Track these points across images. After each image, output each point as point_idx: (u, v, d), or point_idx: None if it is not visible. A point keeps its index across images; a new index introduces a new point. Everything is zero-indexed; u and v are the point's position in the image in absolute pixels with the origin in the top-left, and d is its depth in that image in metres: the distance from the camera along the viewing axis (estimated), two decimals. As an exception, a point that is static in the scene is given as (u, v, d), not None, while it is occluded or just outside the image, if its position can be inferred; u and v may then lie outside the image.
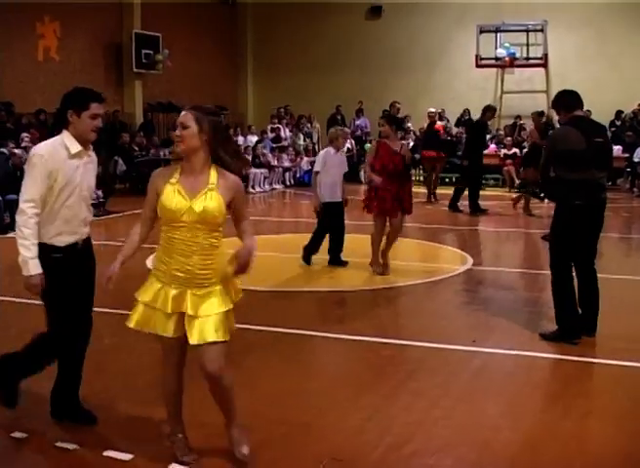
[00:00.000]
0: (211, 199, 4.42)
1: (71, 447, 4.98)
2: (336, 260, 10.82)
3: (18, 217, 4.97)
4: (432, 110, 20.28)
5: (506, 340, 7.27)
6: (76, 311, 5.17)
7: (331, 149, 10.77)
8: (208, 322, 4.48)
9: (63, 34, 21.25)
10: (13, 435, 5.17)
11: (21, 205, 4.93)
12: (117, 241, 11.83)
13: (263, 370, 6.50)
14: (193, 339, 4.46)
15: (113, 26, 23.09)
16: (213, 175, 4.48)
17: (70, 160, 5.01)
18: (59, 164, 4.94)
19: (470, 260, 11.21)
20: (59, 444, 5.03)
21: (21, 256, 4.96)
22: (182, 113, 4.50)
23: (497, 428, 5.34)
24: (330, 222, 10.73)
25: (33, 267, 4.95)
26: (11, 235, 13.79)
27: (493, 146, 22.94)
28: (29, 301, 8.67)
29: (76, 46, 21.76)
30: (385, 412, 5.59)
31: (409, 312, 8.76)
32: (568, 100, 7.23)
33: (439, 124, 20.36)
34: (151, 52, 23.43)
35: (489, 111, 17.55)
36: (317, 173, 10.73)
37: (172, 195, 4.42)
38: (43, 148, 4.98)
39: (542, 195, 14.83)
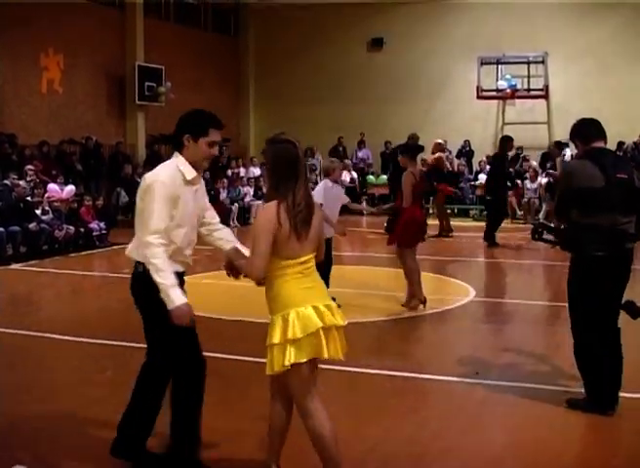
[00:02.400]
0: None
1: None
2: None
3: (146, 251, 4.60)
4: (440, 141, 20.04)
5: (509, 372, 7.24)
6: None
7: (328, 182, 10.18)
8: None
9: (67, 66, 21.39)
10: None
11: (147, 237, 4.60)
12: (120, 273, 11.85)
13: (263, 403, 6.46)
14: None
15: (116, 59, 23.24)
16: None
17: (186, 186, 4.78)
18: (179, 190, 4.70)
19: (473, 292, 11.18)
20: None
21: (162, 289, 4.55)
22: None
23: (500, 460, 5.31)
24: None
25: (176, 297, 4.56)
26: (13, 267, 13.85)
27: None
28: (30, 333, 8.69)
29: (79, 78, 21.90)
30: (388, 444, 5.55)
31: (412, 344, 8.73)
32: (585, 130, 6.27)
33: (439, 155, 20.18)
34: (154, 84, 23.55)
35: (506, 142, 17.43)
36: (321, 204, 10.39)
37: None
38: (162, 174, 4.70)
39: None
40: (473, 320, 9.81)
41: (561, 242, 6.17)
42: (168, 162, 4.83)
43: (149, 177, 4.71)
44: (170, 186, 4.63)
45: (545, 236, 6.42)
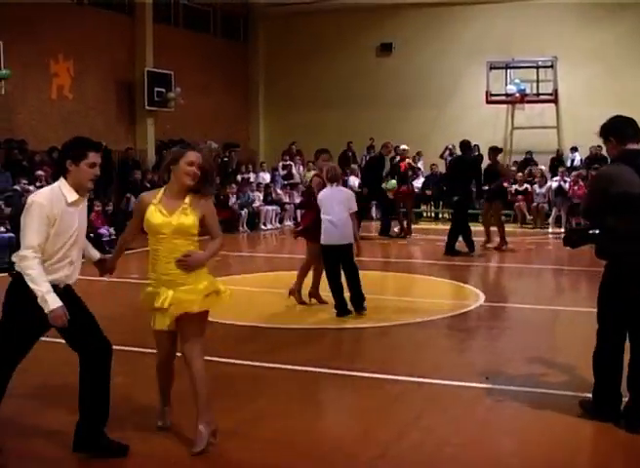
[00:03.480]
0: (185, 215, 5.37)
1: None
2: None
3: (21, 264, 5.10)
4: (405, 147, 20.14)
5: (519, 377, 7.22)
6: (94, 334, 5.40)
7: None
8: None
9: (77, 73, 21.47)
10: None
11: (23, 251, 5.10)
12: (129, 277, 11.89)
13: (272, 408, 6.47)
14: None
15: (126, 64, 23.32)
16: (188, 198, 5.43)
17: (68, 207, 5.21)
18: (57, 211, 5.14)
19: (482, 297, 11.17)
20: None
21: (38, 295, 5.02)
22: (197, 154, 5.53)
23: (509, 466, 5.30)
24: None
25: (52, 301, 5.03)
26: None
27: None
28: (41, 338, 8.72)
29: (89, 84, 21.97)
30: (397, 449, 5.55)
31: (420, 349, 8.71)
32: (622, 129, 5.93)
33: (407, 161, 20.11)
34: (163, 89, 23.61)
35: (494, 152, 17.40)
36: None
37: (155, 213, 5.41)
38: (42, 196, 5.16)
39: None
40: (482, 325, 9.80)
41: (596, 248, 5.98)
42: (54, 185, 5.28)
43: (31, 198, 5.23)
44: (47, 207, 5.11)
45: (577, 239, 6.23)
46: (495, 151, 17.41)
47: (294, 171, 24.98)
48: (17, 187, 16.33)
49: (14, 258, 5.19)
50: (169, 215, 5.37)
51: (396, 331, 9.42)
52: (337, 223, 9.86)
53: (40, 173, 17.63)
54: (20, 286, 5.15)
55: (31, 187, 16.00)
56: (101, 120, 22.14)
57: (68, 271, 5.31)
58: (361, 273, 10.20)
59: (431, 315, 10.01)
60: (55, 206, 5.12)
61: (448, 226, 19.40)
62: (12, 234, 14.20)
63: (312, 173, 23.55)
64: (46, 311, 5.02)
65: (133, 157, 22.40)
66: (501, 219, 17.30)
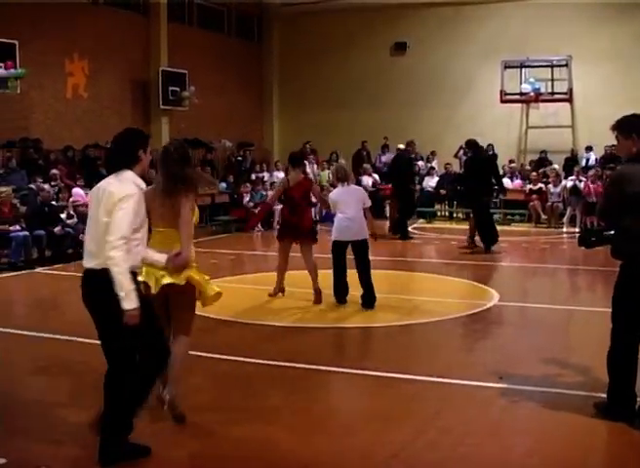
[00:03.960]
0: None
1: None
2: None
3: (113, 253, 5.00)
4: (401, 146, 20.22)
5: (533, 377, 7.20)
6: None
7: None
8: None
9: (92, 72, 21.53)
10: None
11: (116, 241, 5.01)
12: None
13: (287, 407, 6.49)
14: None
15: (140, 64, 23.37)
16: None
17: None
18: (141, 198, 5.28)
19: (497, 296, 11.14)
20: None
21: (125, 290, 5.00)
22: None
23: (523, 466, 5.29)
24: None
25: (135, 299, 5.05)
26: (38, 270, 13.95)
27: (518, 182, 22.90)
28: (55, 336, 8.75)
29: (104, 83, 22.04)
30: (412, 449, 5.55)
31: (435, 348, 8.71)
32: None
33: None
34: (178, 88, 23.65)
35: (477, 146, 17.31)
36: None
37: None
38: (129, 187, 5.19)
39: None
40: (497, 324, 9.78)
41: (611, 248, 5.95)
42: (125, 175, 5.28)
43: (121, 190, 5.14)
44: (137, 197, 5.22)
45: (593, 240, 6.19)
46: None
47: (308, 170, 24.96)
48: (32, 186, 16.40)
49: (109, 253, 5.02)
50: None
51: (411, 331, 9.43)
52: (353, 220, 10.28)
53: (55, 171, 17.73)
54: (102, 281, 5.10)
55: (46, 186, 16.07)
56: (116, 119, 22.17)
57: (139, 257, 5.36)
58: (376, 272, 10.24)
59: (446, 314, 10.00)
60: (140, 194, 5.27)
61: (462, 226, 19.48)
62: (27, 233, 14.25)
63: (327, 172, 23.81)
64: (128, 308, 4.99)
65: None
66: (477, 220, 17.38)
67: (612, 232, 5.94)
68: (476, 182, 16.51)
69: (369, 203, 10.61)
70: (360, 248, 10.42)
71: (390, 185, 20.01)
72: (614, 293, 6.02)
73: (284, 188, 10.83)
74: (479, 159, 16.94)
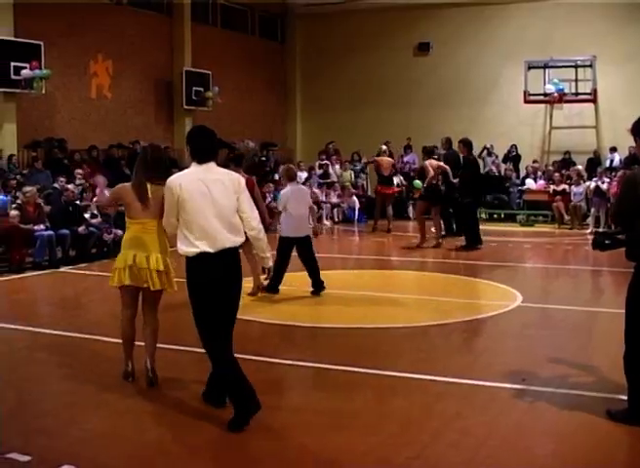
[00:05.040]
0: None
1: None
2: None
3: (258, 225, 6.15)
4: (383, 147, 20.87)
5: (556, 379, 7.17)
6: None
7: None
8: None
9: (116, 72, 21.65)
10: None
11: (256, 215, 6.16)
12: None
13: (308, 406, 6.49)
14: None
15: (164, 64, 23.48)
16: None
17: None
18: None
19: (520, 297, 11.10)
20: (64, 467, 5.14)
21: (269, 251, 6.33)
22: None
23: (546, 468, 5.28)
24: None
25: None
26: (62, 270, 14.03)
27: (542, 182, 22.80)
28: (79, 335, 8.80)
29: (128, 84, 22.15)
30: (433, 450, 5.54)
31: (457, 349, 8.69)
32: None
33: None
34: (201, 89, 23.75)
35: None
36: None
37: None
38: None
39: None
40: (520, 325, 9.74)
41: (625, 251, 5.92)
42: (214, 165, 6.14)
43: (239, 177, 6.20)
44: None
45: (607, 243, 6.15)
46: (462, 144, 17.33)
47: (330, 170, 25.00)
48: (56, 185, 16.50)
49: (258, 226, 6.13)
50: None
51: (433, 331, 9.41)
52: (302, 218, 11.35)
53: (79, 171, 17.81)
54: (238, 256, 6.07)
55: (70, 186, 16.16)
56: (140, 119, 22.31)
57: None
58: (398, 273, 10.24)
59: (469, 315, 9.99)
60: None
61: (484, 226, 19.42)
62: (51, 232, 14.34)
63: (349, 172, 23.86)
64: (270, 265, 6.48)
65: (171, 156, 22.52)
66: (432, 217, 17.81)
67: (625, 235, 5.90)
68: (460, 183, 16.74)
69: (311, 203, 11.71)
70: (306, 242, 11.26)
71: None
72: (627, 295, 6.02)
73: None
74: (465, 159, 17.06)
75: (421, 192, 17.65)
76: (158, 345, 7.04)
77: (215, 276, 5.83)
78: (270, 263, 6.42)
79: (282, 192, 11.60)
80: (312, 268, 11.30)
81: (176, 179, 6.00)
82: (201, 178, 5.94)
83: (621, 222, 6.04)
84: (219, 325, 5.90)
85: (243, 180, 6.15)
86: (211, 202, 5.88)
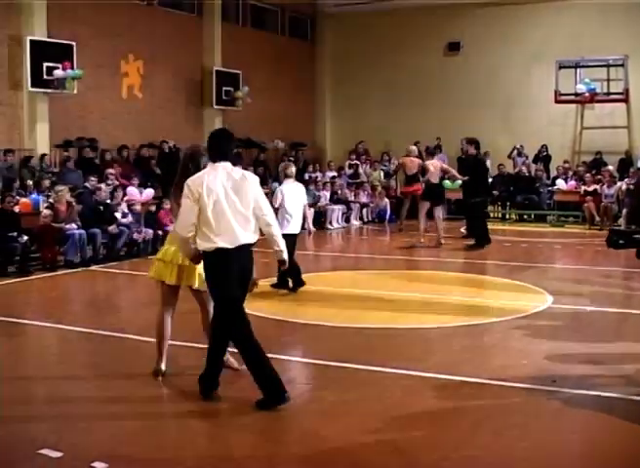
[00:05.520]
0: None
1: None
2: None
3: (274, 221, 6.57)
4: (412, 147, 20.61)
5: (587, 381, 7.13)
6: None
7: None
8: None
9: (147, 72, 21.75)
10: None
11: (272, 213, 6.58)
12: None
13: (340, 407, 6.50)
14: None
15: (194, 64, 23.56)
16: None
17: None
18: None
19: (550, 298, 11.04)
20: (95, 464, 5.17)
21: (284, 246, 6.59)
22: None
23: (578, 471, 5.25)
24: None
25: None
26: (93, 268, 14.13)
27: (572, 183, 22.64)
28: (109, 333, 8.87)
29: (158, 83, 22.24)
30: (464, 451, 5.52)
31: (488, 350, 8.65)
32: None
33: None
34: (231, 88, 23.82)
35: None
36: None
37: None
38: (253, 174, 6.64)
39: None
40: (550, 327, 9.68)
41: (637, 250, 5.91)
42: (235, 167, 6.51)
43: (252, 175, 6.61)
44: None
45: (621, 242, 6.15)
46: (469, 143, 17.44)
47: (360, 170, 24.97)
48: (87, 185, 16.61)
49: (273, 222, 6.54)
50: None
51: (463, 332, 9.37)
52: (299, 214, 11.58)
53: (110, 171, 17.92)
54: (251, 252, 6.53)
55: (102, 185, 16.26)
56: (170, 119, 22.39)
57: None
58: (425, 273, 10.21)
59: (499, 316, 9.94)
60: None
61: (515, 227, 19.34)
62: (82, 231, 14.44)
63: (378, 172, 23.88)
64: (286, 258, 6.63)
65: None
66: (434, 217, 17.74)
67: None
68: (469, 182, 16.78)
69: (306, 201, 11.98)
70: (294, 239, 11.32)
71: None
72: None
73: None
74: (471, 159, 17.07)
75: (423, 192, 17.73)
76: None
77: (232, 270, 6.34)
78: (285, 256, 6.60)
79: (277, 189, 11.92)
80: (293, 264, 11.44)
81: (197, 179, 6.34)
82: (220, 179, 6.31)
83: (635, 221, 6.03)
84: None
85: (256, 180, 6.49)
86: (229, 201, 6.28)
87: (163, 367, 7.14)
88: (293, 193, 11.56)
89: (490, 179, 20.16)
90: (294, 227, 11.48)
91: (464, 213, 18.40)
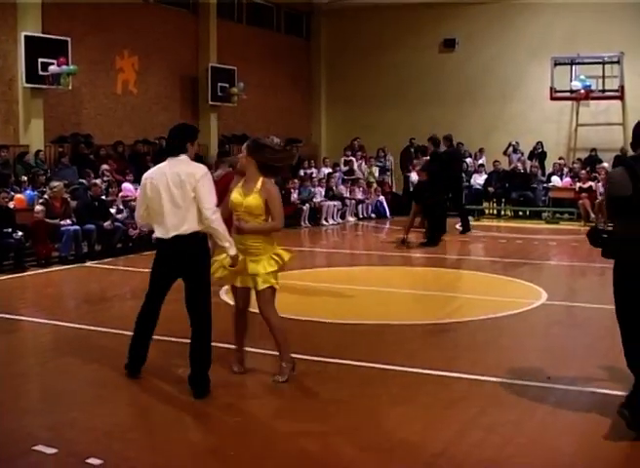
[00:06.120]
0: (254, 197, 6.71)
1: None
2: None
3: (215, 216, 6.47)
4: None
5: (582, 378, 7.14)
6: None
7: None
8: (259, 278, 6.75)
9: (142, 68, 21.71)
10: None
11: (213, 207, 6.50)
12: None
13: (333, 404, 6.50)
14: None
15: (190, 60, 23.52)
16: (259, 182, 6.75)
17: None
18: None
19: (545, 295, 11.06)
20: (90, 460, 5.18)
21: (229, 240, 6.55)
22: (244, 146, 6.99)
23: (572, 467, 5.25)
24: None
25: (235, 248, 6.63)
26: (88, 264, 14.12)
27: (567, 180, 22.66)
28: (104, 329, 8.88)
29: (153, 79, 22.21)
30: (458, 448, 5.53)
31: (482, 346, 8.67)
32: (636, 135, 5.92)
33: None
34: (227, 85, 23.77)
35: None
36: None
37: (236, 194, 6.81)
38: (202, 167, 6.71)
39: None
40: (545, 323, 9.70)
41: (602, 249, 5.95)
42: (183, 158, 6.70)
43: (199, 169, 6.65)
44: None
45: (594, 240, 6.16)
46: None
47: (355, 166, 24.96)
48: (82, 181, 16.59)
49: (211, 217, 6.44)
50: (244, 197, 6.73)
51: (458, 329, 9.39)
52: None
53: (105, 167, 17.91)
54: (201, 241, 6.64)
55: (97, 181, 16.24)
56: (165, 115, 22.35)
57: None
58: (422, 270, 10.21)
59: (494, 312, 9.96)
60: None
61: (510, 224, 19.38)
62: (77, 227, 14.43)
63: (374, 168, 23.79)
64: (233, 253, 6.56)
65: (196, 151, 22.56)
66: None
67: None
68: (433, 179, 16.88)
69: None
70: None
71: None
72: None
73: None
74: (434, 154, 17.15)
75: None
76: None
77: (163, 259, 6.74)
78: (233, 251, 6.56)
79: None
80: None
81: (148, 172, 6.87)
82: (165, 172, 6.63)
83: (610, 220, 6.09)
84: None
85: (200, 173, 6.55)
86: (169, 194, 6.54)
87: (236, 368, 7.19)
88: None
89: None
90: None
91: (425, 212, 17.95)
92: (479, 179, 23.95)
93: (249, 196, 6.73)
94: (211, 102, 23.55)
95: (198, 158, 22.29)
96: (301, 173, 23.43)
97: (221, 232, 6.49)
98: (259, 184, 6.73)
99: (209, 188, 6.52)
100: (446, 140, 17.79)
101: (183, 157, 6.67)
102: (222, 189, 10.75)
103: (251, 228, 6.75)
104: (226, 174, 11.56)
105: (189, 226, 6.51)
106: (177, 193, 6.50)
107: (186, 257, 6.60)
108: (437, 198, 16.77)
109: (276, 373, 6.90)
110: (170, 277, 6.78)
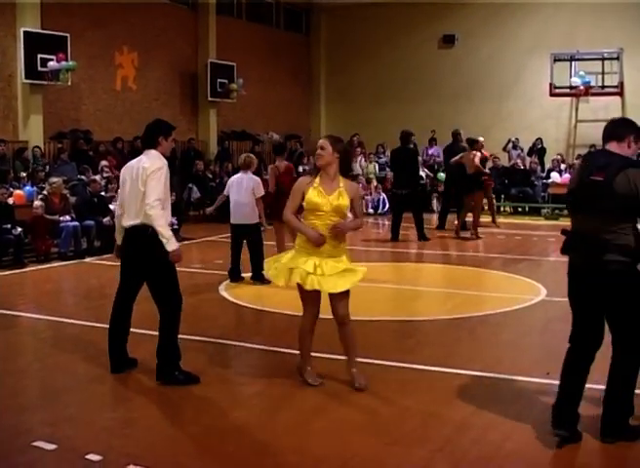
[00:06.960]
0: (341, 197, 6.46)
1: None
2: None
3: (152, 212, 6.56)
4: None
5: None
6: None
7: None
8: (338, 280, 6.52)
9: (141, 64, 21.72)
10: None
11: (153, 202, 6.56)
12: (191, 268, 12.00)
13: (333, 400, 6.49)
14: (330, 290, 6.50)
15: (189, 56, 23.53)
16: (342, 182, 6.54)
17: None
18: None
19: (544, 291, 11.05)
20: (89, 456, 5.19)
21: (166, 236, 6.61)
22: (321, 140, 6.64)
23: (571, 463, 5.24)
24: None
25: (175, 242, 6.71)
26: (87, 260, 14.12)
27: (567, 176, 22.63)
28: (103, 325, 8.86)
29: (153, 75, 22.21)
30: (457, 443, 5.53)
31: (481, 342, 8.66)
32: (603, 132, 6.00)
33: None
34: (226, 81, 23.77)
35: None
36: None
37: (316, 193, 6.46)
38: (157, 162, 6.76)
39: None
40: (544, 319, 9.69)
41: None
42: (152, 153, 6.86)
43: (152, 164, 6.73)
44: (165, 168, 6.80)
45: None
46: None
47: (355, 163, 24.91)
48: (82, 177, 16.58)
49: (148, 211, 6.57)
50: (327, 196, 6.45)
51: (457, 325, 9.38)
52: (242, 205, 11.45)
53: (104, 163, 17.90)
54: (144, 236, 6.71)
55: (97, 177, 16.23)
56: (164, 111, 22.32)
57: (169, 218, 7.00)
58: (423, 266, 10.21)
59: (493, 308, 9.95)
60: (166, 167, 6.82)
61: (509, 219, 19.36)
62: (76, 223, 14.42)
63: (373, 164, 23.68)
64: (171, 249, 6.60)
65: (195, 148, 22.61)
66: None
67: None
68: (397, 174, 17.25)
69: (260, 193, 11.53)
70: (249, 231, 11.47)
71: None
72: None
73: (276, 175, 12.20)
74: (400, 151, 17.30)
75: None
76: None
77: (125, 249, 7.10)
78: (171, 247, 6.60)
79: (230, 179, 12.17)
80: (253, 256, 11.54)
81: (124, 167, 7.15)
82: (133, 165, 6.94)
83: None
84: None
85: (152, 168, 6.67)
86: (129, 186, 6.88)
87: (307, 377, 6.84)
88: (237, 184, 11.59)
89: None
90: (235, 217, 11.55)
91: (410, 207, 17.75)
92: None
93: (332, 195, 6.46)
94: (210, 98, 23.55)
95: (198, 154, 22.40)
96: (300, 169, 23.40)
97: (159, 227, 6.61)
98: (341, 183, 6.52)
99: (156, 183, 6.65)
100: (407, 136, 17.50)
101: (153, 152, 6.86)
102: (291, 179, 11.20)
103: (351, 228, 6.80)
104: (288, 164, 12.62)
105: (142, 219, 6.73)
106: (135, 185, 6.78)
107: (138, 247, 6.85)
108: (408, 191, 16.80)
109: (356, 380, 6.68)
110: (129, 267, 7.11)
